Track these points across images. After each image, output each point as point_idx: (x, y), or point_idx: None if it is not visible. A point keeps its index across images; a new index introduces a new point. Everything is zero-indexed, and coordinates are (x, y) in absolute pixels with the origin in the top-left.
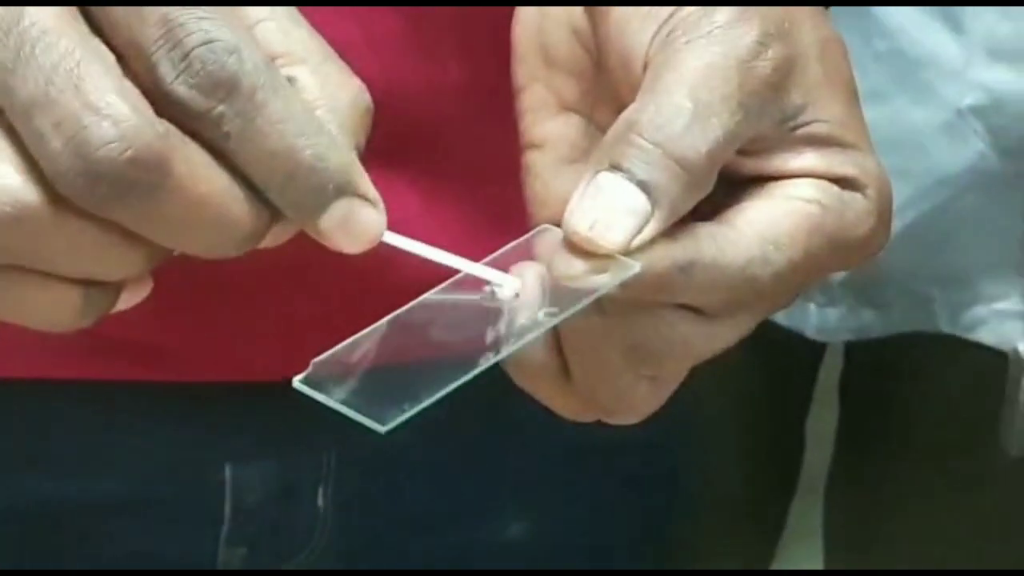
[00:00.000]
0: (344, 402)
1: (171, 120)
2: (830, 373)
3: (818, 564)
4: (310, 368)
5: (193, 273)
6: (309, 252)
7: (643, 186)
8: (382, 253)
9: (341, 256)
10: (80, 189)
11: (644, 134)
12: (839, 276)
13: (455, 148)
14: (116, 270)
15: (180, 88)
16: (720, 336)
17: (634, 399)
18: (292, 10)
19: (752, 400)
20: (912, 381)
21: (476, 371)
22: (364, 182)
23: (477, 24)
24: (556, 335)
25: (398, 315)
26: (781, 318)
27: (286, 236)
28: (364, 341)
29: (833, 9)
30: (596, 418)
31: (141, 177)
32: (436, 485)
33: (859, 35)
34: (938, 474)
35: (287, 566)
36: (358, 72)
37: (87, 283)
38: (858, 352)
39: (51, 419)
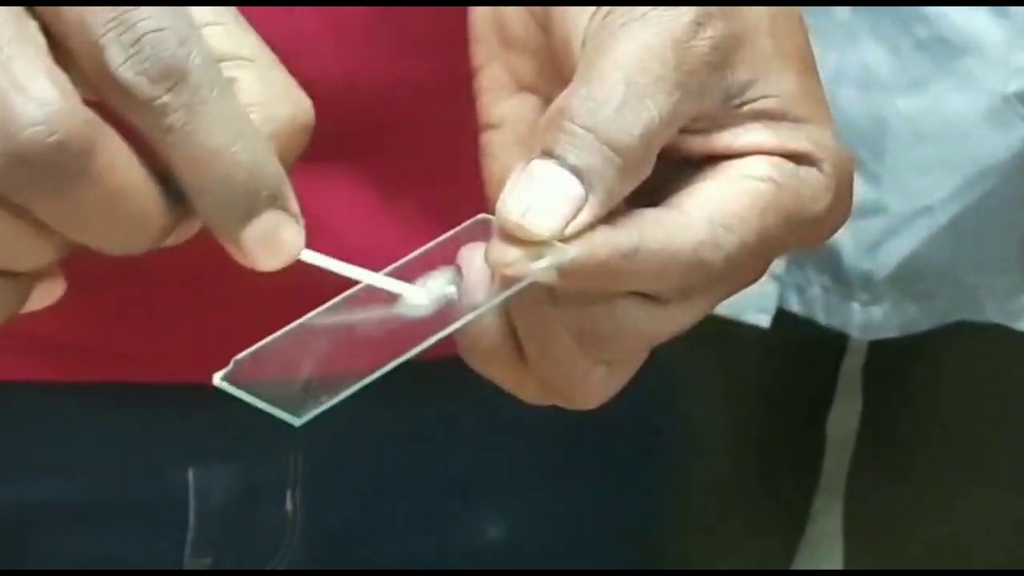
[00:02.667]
0: (260, 397)
1: (110, 107)
2: (851, 372)
3: (838, 565)
4: (231, 366)
5: (151, 272)
6: None
7: (576, 172)
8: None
9: (297, 266)
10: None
11: (575, 119)
12: (883, 273)
13: (419, 143)
14: (25, 260)
15: (127, 73)
16: (674, 320)
17: (590, 385)
18: (238, 15)
19: (771, 399)
20: (939, 374)
21: (394, 363)
22: (292, 197)
23: (446, 19)
24: (509, 321)
25: (320, 312)
26: (823, 317)
27: (186, 236)
28: (286, 338)
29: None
30: (554, 403)
31: (63, 163)
32: (410, 488)
33: (899, 22)
34: (967, 470)
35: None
36: (322, 64)
37: None
38: (881, 346)
39: (2, 422)
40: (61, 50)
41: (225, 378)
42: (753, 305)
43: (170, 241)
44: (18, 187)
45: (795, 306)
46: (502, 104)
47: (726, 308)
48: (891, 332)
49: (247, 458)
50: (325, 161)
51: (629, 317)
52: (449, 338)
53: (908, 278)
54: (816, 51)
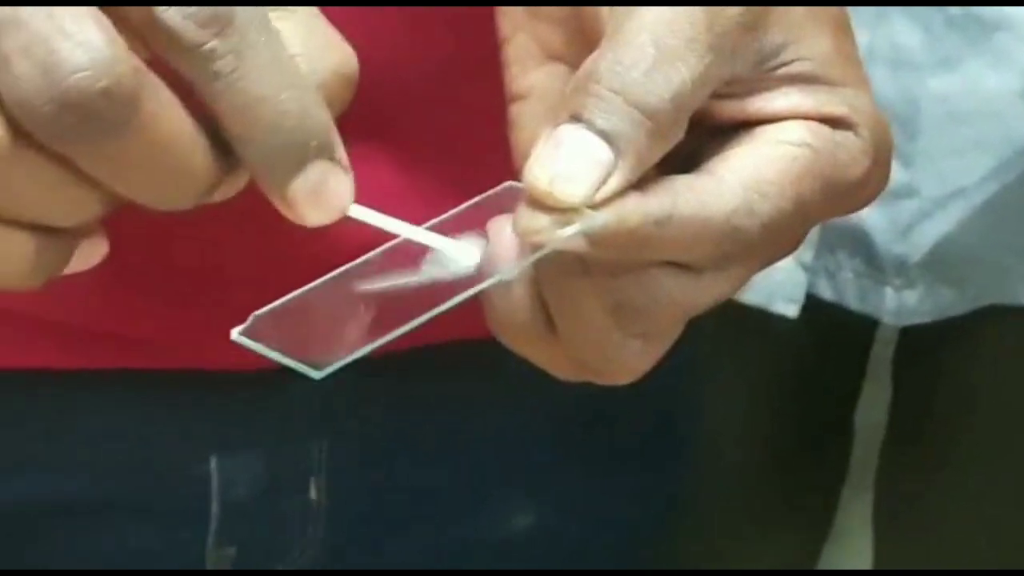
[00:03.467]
0: (280, 351)
1: (154, 54)
2: (880, 360)
3: (868, 561)
4: (249, 321)
5: (173, 257)
6: (297, 237)
7: (605, 136)
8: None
9: (329, 244)
10: (44, 118)
11: (603, 82)
12: (916, 257)
13: (444, 122)
14: (70, 214)
15: (174, 17)
16: (709, 290)
17: (624, 359)
18: None
19: (798, 388)
20: (971, 359)
21: (417, 321)
22: (341, 147)
23: None
24: (539, 296)
25: (346, 270)
26: (855, 303)
27: (232, 192)
28: (308, 296)
29: None
30: (587, 379)
31: (110, 111)
32: (436, 476)
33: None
34: (1000, 458)
35: (279, 565)
36: (345, 39)
37: (40, 231)
38: (911, 332)
39: (21, 411)
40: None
41: (243, 333)
42: (781, 294)
43: (216, 196)
44: (63, 135)
45: (826, 292)
46: (530, 75)
47: (754, 296)
48: (925, 317)
49: (271, 447)
50: (349, 140)
51: (663, 288)
52: (479, 321)
53: (942, 262)
54: None
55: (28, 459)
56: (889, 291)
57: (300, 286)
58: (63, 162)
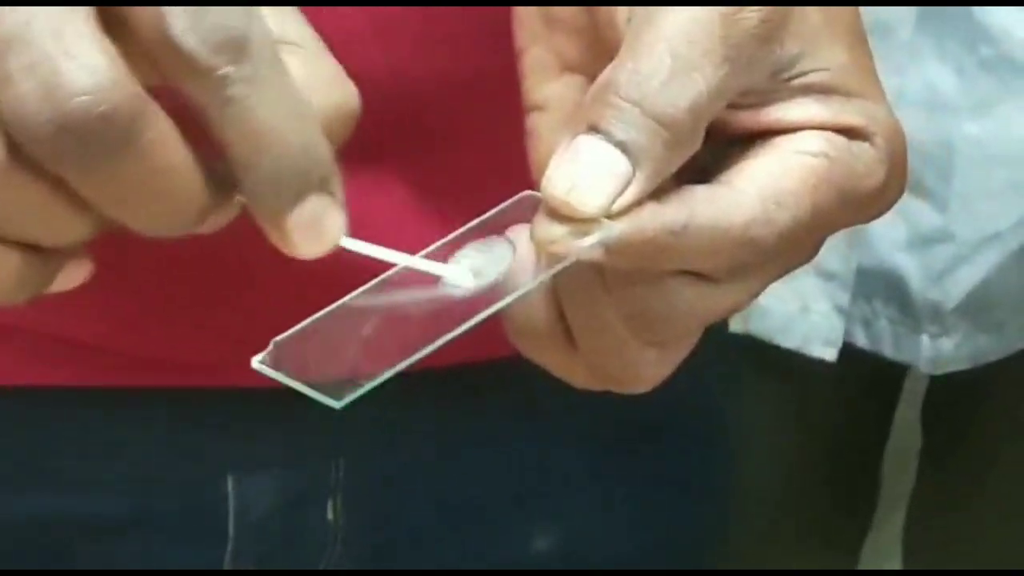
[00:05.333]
0: (301, 380)
1: (159, 81)
2: (912, 397)
3: None
4: (270, 347)
5: (188, 274)
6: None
7: (622, 147)
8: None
9: (345, 265)
10: (43, 138)
11: (621, 93)
12: (952, 303)
13: (462, 140)
14: (60, 235)
15: (190, 40)
16: (726, 299)
17: (641, 368)
18: (294, 9)
19: (826, 430)
20: (1002, 402)
21: (438, 343)
22: (339, 183)
23: (490, 16)
24: (558, 305)
25: (360, 293)
26: (891, 352)
27: (223, 223)
28: (325, 320)
29: (935, 16)
30: (605, 388)
31: (109, 135)
32: (456, 496)
33: (963, 42)
34: None
35: None
36: (364, 62)
37: (27, 249)
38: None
39: (37, 430)
40: (115, 21)
41: (263, 361)
42: (819, 338)
43: (205, 228)
44: (60, 157)
45: (861, 340)
46: (547, 86)
47: (791, 340)
48: (961, 365)
49: (287, 466)
50: (368, 158)
51: (680, 297)
52: (496, 342)
53: (978, 308)
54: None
55: (45, 477)
56: (925, 339)
57: (319, 304)
58: (57, 183)
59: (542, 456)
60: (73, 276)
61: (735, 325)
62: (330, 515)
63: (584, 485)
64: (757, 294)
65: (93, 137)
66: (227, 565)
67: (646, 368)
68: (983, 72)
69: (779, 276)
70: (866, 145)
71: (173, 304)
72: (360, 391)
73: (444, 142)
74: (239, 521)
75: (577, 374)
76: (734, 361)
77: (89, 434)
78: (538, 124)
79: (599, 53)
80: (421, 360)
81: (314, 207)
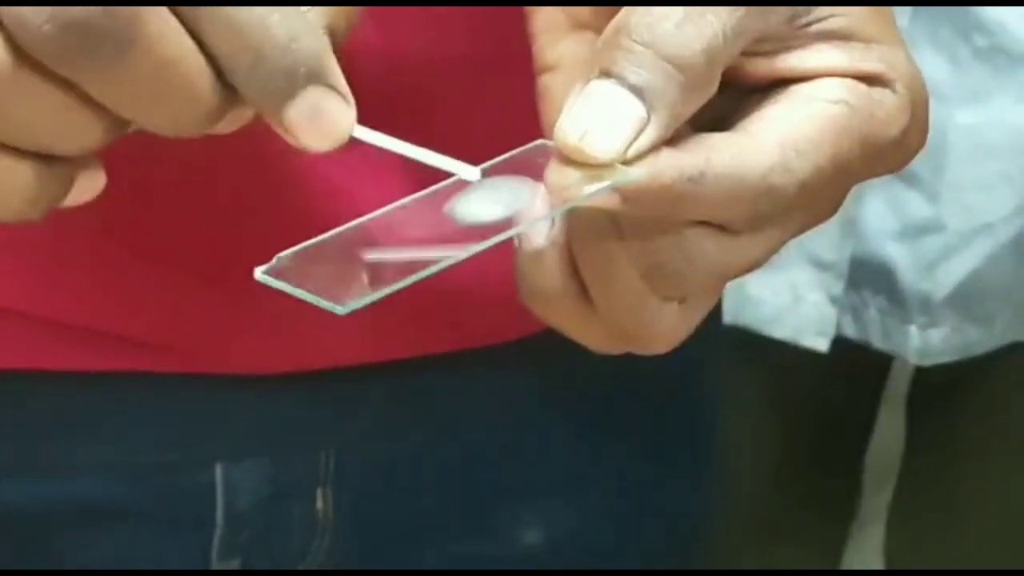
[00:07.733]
0: (304, 288)
1: None
2: (895, 394)
3: None
4: (273, 261)
5: (181, 257)
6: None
7: (636, 91)
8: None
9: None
10: (48, 39)
11: (634, 36)
12: (941, 294)
13: (464, 118)
14: (73, 140)
15: None
16: (746, 252)
17: (660, 325)
18: None
19: (809, 420)
20: (988, 395)
21: (446, 263)
22: (336, 72)
23: None
24: (572, 262)
25: (370, 218)
26: (879, 341)
27: (243, 121)
28: (333, 240)
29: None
30: (623, 349)
31: (113, 30)
32: (446, 487)
33: (958, 32)
34: (1017, 495)
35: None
36: (366, 40)
37: (40, 159)
38: (928, 368)
39: (20, 414)
40: None
41: (267, 272)
42: (812, 328)
43: (222, 127)
44: (66, 56)
45: (850, 330)
46: (558, 45)
47: (783, 331)
48: (949, 356)
49: (277, 455)
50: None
51: (699, 249)
52: (488, 331)
53: (968, 299)
54: None
55: (33, 463)
56: (913, 330)
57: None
58: (67, 86)
59: (531, 449)
60: (87, 188)
61: (725, 318)
62: (319, 505)
63: (572, 478)
64: (777, 249)
65: (96, 33)
66: (215, 553)
67: (665, 325)
68: (977, 62)
69: (800, 231)
70: (887, 92)
71: (162, 288)
72: (365, 300)
73: (443, 119)
74: (227, 509)
75: (594, 335)
76: (722, 355)
77: (77, 418)
78: (550, 84)
79: (610, 9)
80: (419, 354)
81: (308, 101)
